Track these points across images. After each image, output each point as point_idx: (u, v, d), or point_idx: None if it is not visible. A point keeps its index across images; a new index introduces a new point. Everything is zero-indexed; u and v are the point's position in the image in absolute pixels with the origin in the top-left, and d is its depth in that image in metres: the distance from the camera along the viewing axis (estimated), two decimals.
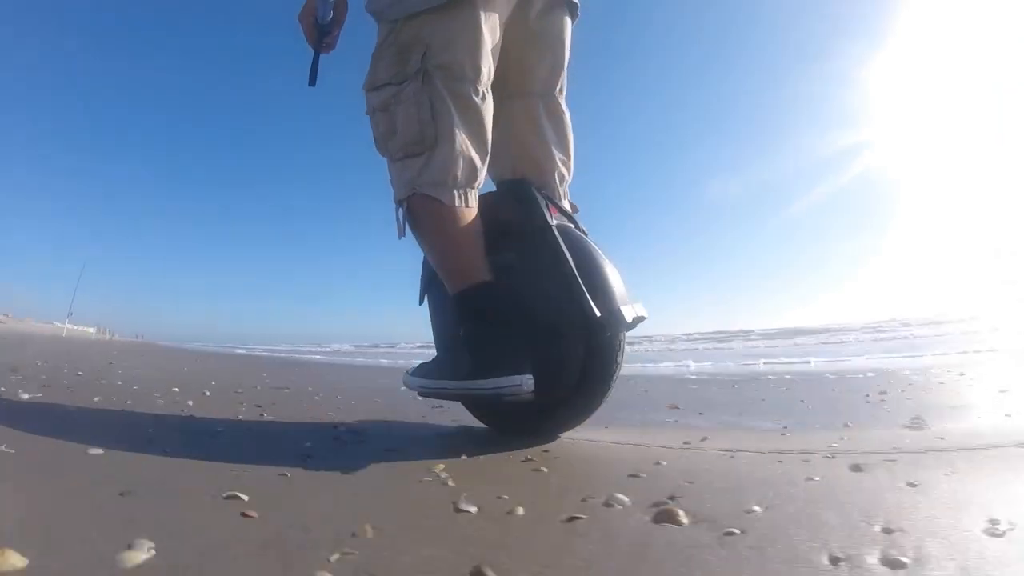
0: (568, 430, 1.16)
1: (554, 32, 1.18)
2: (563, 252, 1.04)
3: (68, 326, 14.66)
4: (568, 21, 1.20)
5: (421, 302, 1.26)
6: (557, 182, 1.21)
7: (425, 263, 1.21)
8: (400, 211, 1.04)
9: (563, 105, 1.24)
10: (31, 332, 12.76)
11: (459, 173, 1.00)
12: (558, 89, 1.22)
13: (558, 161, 1.22)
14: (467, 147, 1.01)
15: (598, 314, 1.01)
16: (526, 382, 0.94)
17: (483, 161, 1.04)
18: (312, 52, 1.13)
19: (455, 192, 1.00)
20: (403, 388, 1.16)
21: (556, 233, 1.07)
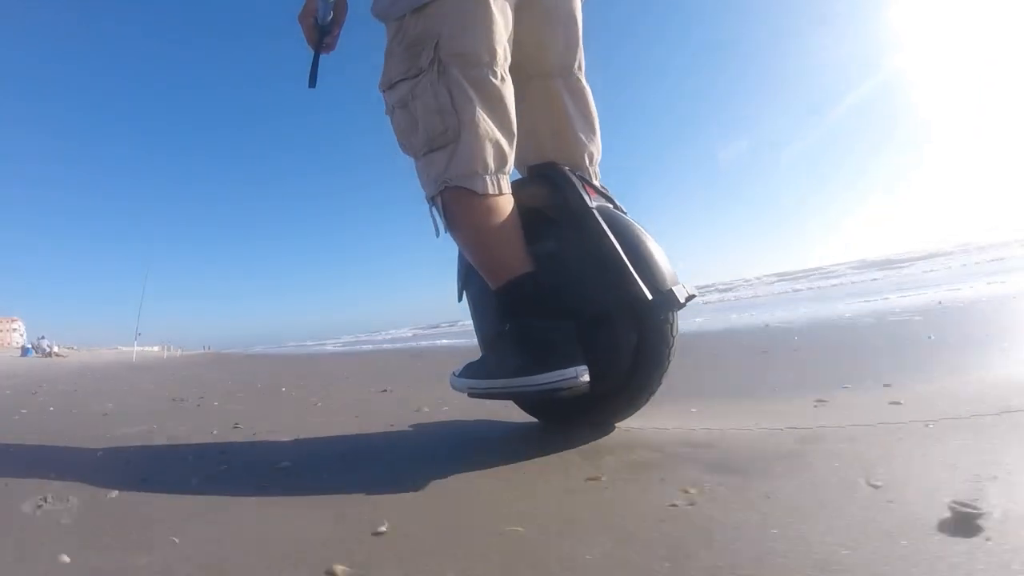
0: (624, 419, 1.12)
1: (565, 8, 1.13)
2: (607, 235, 0.99)
3: (137, 348, 13.44)
4: None
5: (460, 299, 1.24)
6: (587, 162, 1.17)
7: (460, 257, 1.19)
8: (433, 209, 1.02)
9: (583, 81, 1.18)
10: (95, 361, 11.92)
11: (488, 159, 0.96)
12: (576, 66, 1.17)
13: (585, 140, 1.17)
14: (493, 131, 0.97)
15: (650, 296, 0.96)
16: (581, 373, 0.91)
17: (511, 145, 1.00)
18: (312, 53, 1.12)
19: (487, 180, 0.96)
20: (452, 390, 1.13)
21: (598, 215, 1.01)
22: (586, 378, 0.92)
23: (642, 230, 1.05)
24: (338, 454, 1.16)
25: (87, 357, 17.97)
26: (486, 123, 0.96)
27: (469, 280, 1.18)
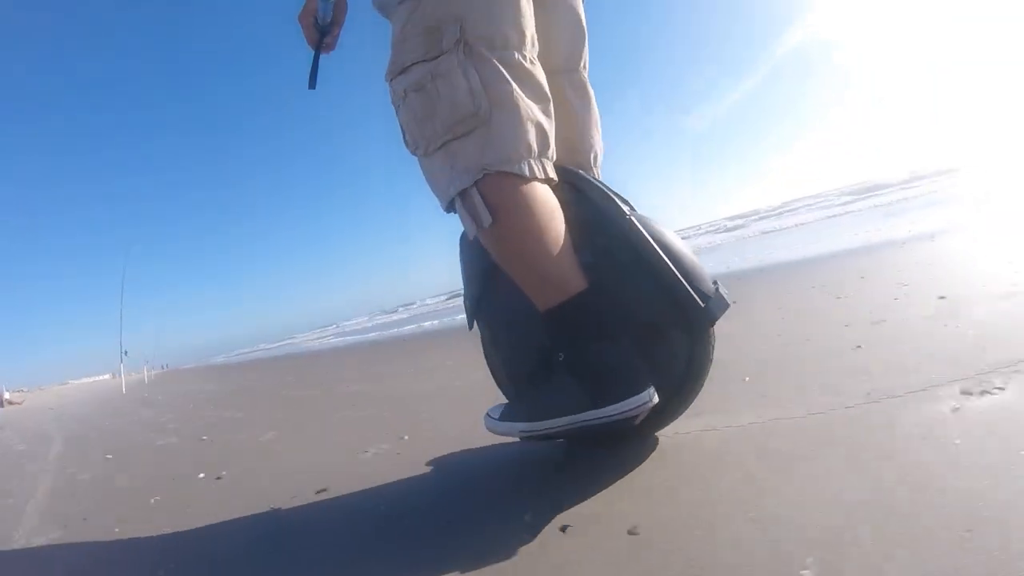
0: (664, 428, 1.07)
1: (570, 6, 1.08)
2: (650, 243, 0.92)
3: (125, 372, 9.84)
4: None
5: (472, 326, 1.13)
6: (592, 162, 1.12)
7: (470, 279, 1.08)
8: (463, 209, 0.85)
9: (587, 80, 1.13)
10: (66, 402, 9.46)
11: (532, 141, 0.85)
12: (582, 64, 1.12)
13: (591, 140, 1.11)
14: (533, 111, 0.86)
15: (701, 304, 0.90)
16: (652, 396, 0.86)
17: (552, 129, 0.90)
18: (312, 53, 1.08)
19: (533, 164, 0.85)
20: (492, 434, 1.02)
21: (637, 222, 0.94)
22: (656, 400, 0.86)
23: (672, 232, 0.98)
24: None
25: (51, 398, 14.50)
26: (525, 102, 0.85)
27: (485, 301, 1.08)
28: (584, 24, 1.11)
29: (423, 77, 0.85)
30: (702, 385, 1.00)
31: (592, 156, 1.12)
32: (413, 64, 0.86)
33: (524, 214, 0.84)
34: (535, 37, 0.91)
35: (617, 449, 1.03)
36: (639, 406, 0.85)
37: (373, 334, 11.48)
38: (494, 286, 1.05)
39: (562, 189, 0.94)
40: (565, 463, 1.06)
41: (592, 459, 1.03)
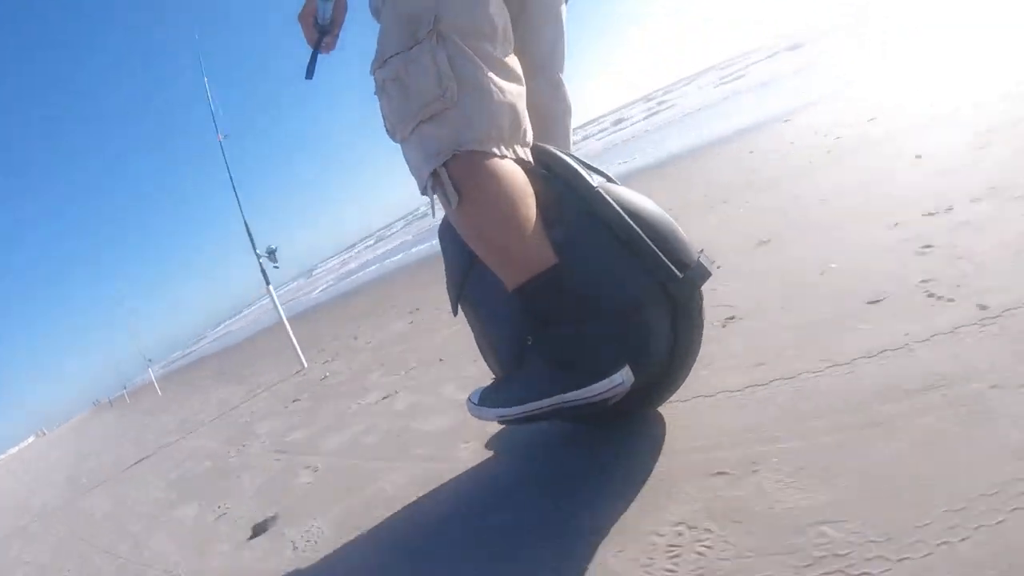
0: (662, 404, 1.06)
1: (551, 10, 1.11)
2: (619, 214, 0.90)
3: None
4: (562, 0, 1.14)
5: (457, 311, 1.13)
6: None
7: (451, 260, 1.08)
8: (435, 190, 0.87)
9: (561, 78, 1.16)
10: None
11: (503, 123, 0.85)
12: (559, 68, 1.15)
13: (565, 139, 1.15)
14: (503, 95, 0.86)
15: (679, 274, 0.88)
16: (627, 377, 0.84)
17: (525, 114, 0.91)
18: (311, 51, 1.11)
19: (503, 146, 0.85)
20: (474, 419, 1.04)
21: (605, 195, 0.92)
22: (631, 380, 0.85)
23: (648, 201, 0.95)
24: None
25: None
26: (496, 86, 0.86)
27: (469, 286, 1.07)
28: (564, 29, 1.14)
29: (399, 68, 0.88)
30: (693, 361, 0.99)
31: (566, 142, 1.15)
32: (392, 56, 0.90)
33: (488, 191, 0.84)
34: (508, 31, 0.93)
35: (612, 429, 1.05)
36: (608, 389, 0.83)
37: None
38: (476, 272, 1.04)
39: (534, 169, 0.94)
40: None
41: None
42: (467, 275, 1.06)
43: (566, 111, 1.16)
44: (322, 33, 1.07)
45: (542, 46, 1.10)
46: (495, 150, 0.84)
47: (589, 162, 1.02)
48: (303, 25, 1.08)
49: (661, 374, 0.96)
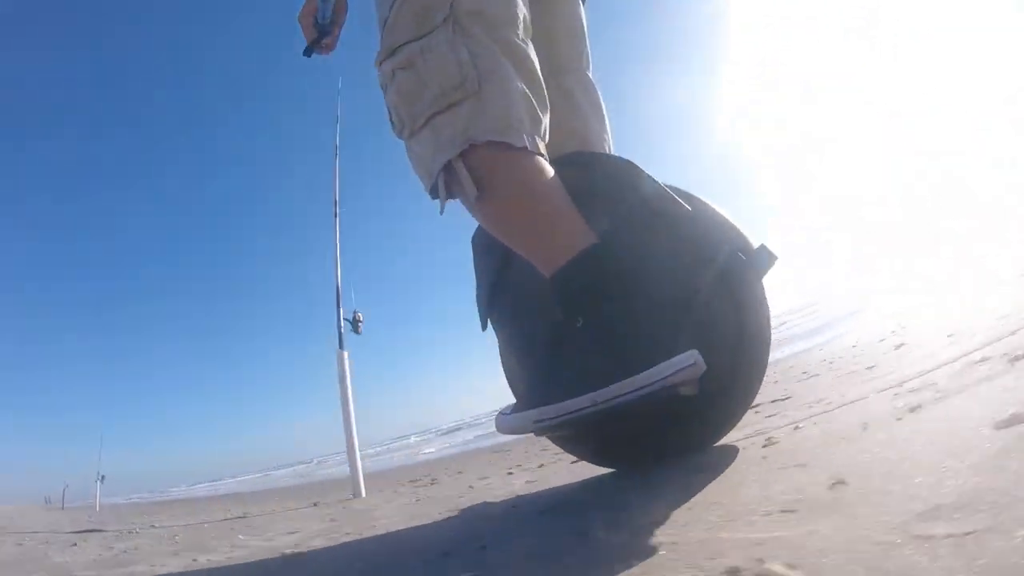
0: (722, 436, 0.88)
1: (571, 7, 1.10)
2: (673, 197, 0.83)
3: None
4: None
5: (485, 326, 1.00)
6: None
7: (484, 270, 0.98)
8: (445, 181, 0.80)
9: (591, 77, 1.13)
10: None
11: (523, 115, 0.79)
12: (585, 63, 1.12)
13: (601, 133, 1.09)
14: (522, 86, 0.81)
15: (743, 256, 0.79)
16: (697, 359, 0.69)
17: (544, 108, 0.84)
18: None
19: (524, 137, 0.78)
20: (505, 435, 0.86)
21: (653, 177, 0.85)
22: (703, 364, 0.69)
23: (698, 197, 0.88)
24: None
25: None
26: (515, 77, 0.81)
27: (500, 293, 0.96)
28: (585, 24, 1.13)
29: (413, 56, 0.82)
30: (762, 372, 0.84)
31: (606, 149, 1.10)
32: (403, 44, 0.84)
33: (515, 178, 0.79)
34: (528, 21, 0.89)
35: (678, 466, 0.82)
36: (683, 369, 0.69)
37: None
38: (505, 282, 0.95)
39: (565, 173, 0.86)
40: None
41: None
42: (495, 287, 0.96)
43: (596, 109, 1.11)
44: (322, 33, 1.06)
45: (564, 46, 1.07)
46: (515, 140, 0.77)
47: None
48: (303, 25, 1.07)
49: (726, 380, 0.81)
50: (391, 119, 0.87)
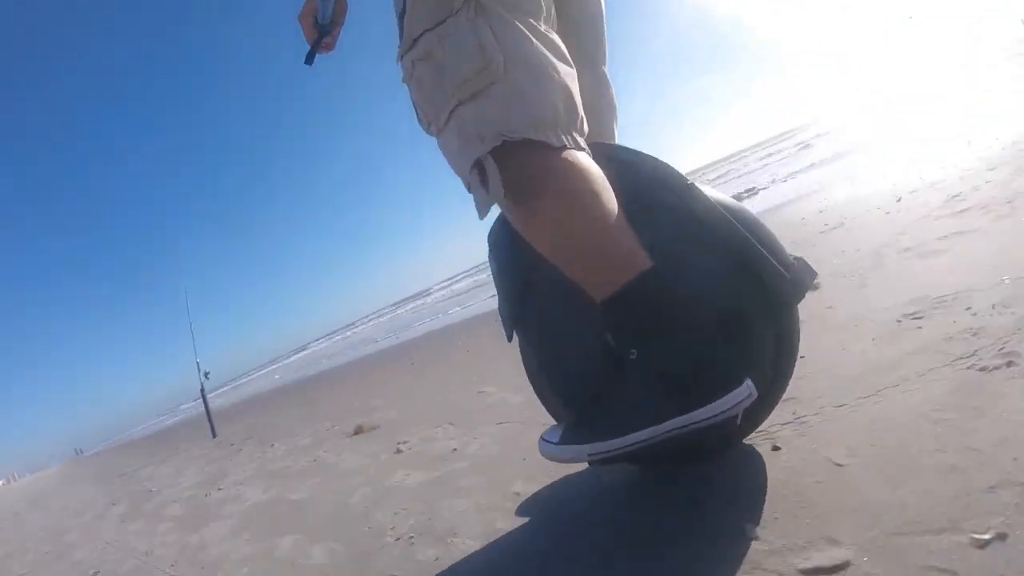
0: (744, 436, 0.92)
1: (592, 4, 1.02)
2: (719, 210, 0.80)
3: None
4: None
5: (511, 337, 0.97)
6: None
7: (507, 275, 0.93)
8: (480, 179, 0.71)
9: (607, 75, 1.06)
10: None
11: (559, 105, 0.72)
12: (601, 59, 1.05)
13: (611, 134, 1.05)
14: (556, 72, 0.73)
15: (787, 274, 0.78)
16: (751, 390, 0.72)
17: (578, 97, 0.77)
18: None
19: (563, 136, 0.71)
20: (554, 463, 0.85)
21: (700, 188, 0.81)
22: (755, 393, 0.72)
23: (736, 203, 0.85)
24: None
25: None
26: (548, 60, 0.73)
27: (526, 306, 0.91)
28: (604, 18, 1.06)
29: (432, 44, 0.74)
30: (792, 372, 0.87)
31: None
32: (422, 34, 0.75)
33: (562, 185, 0.70)
34: (553, 15, 0.82)
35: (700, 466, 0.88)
36: (737, 403, 0.71)
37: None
38: (535, 287, 0.90)
39: (610, 162, 0.80)
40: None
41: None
42: (524, 294, 0.91)
43: (611, 108, 1.06)
44: (322, 33, 1.03)
45: (585, 44, 1.00)
46: (553, 139, 0.70)
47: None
48: (303, 25, 1.04)
49: (766, 393, 0.84)
50: (417, 117, 0.81)
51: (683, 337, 0.73)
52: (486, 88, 0.70)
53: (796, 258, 0.82)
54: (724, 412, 0.71)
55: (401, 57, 0.80)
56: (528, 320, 0.93)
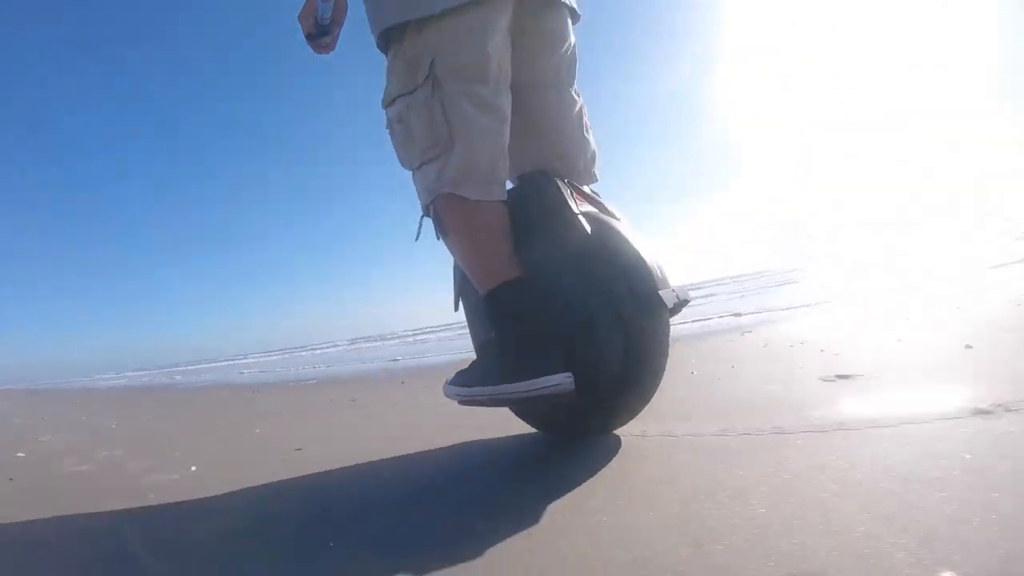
0: (622, 425, 1.14)
1: (558, 27, 1.14)
2: (591, 240, 1.01)
3: None
4: (569, 20, 1.18)
5: (456, 308, 1.25)
6: (585, 167, 1.20)
7: (457, 271, 1.19)
8: (428, 218, 1.05)
9: (575, 93, 1.20)
10: None
11: (481, 167, 0.99)
12: (567, 79, 1.19)
13: (583, 145, 1.19)
14: (485, 141, 0.99)
15: (630, 300, 0.99)
16: (566, 381, 0.91)
17: (503, 154, 1.03)
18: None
19: (476, 187, 0.99)
20: (445, 398, 1.13)
21: (582, 220, 1.03)
22: (571, 385, 0.91)
23: (631, 234, 1.06)
24: None
25: None
26: (480, 133, 0.98)
27: (465, 289, 1.19)
28: (574, 47, 1.18)
29: (403, 111, 1.02)
30: (652, 386, 1.07)
31: (581, 160, 1.19)
32: (397, 97, 1.02)
33: (463, 226, 1.01)
34: (505, 66, 1.03)
35: (583, 444, 1.09)
36: (549, 386, 0.91)
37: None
38: (468, 280, 1.15)
39: (527, 191, 1.09)
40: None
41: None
42: (465, 280, 1.16)
43: (580, 125, 1.19)
44: (322, 33, 1.09)
45: (552, 63, 1.14)
46: (468, 192, 0.98)
47: (597, 195, 1.14)
48: (303, 25, 1.11)
49: (616, 393, 1.05)
50: (397, 155, 1.08)
51: (524, 329, 0.97)
52: (435, 157, 0.99)
53: (660, 292, 1.00)
54: (535, 391, 0.91)
55: (384, 107, 1.06)
56: (466, 297, 1.21)
